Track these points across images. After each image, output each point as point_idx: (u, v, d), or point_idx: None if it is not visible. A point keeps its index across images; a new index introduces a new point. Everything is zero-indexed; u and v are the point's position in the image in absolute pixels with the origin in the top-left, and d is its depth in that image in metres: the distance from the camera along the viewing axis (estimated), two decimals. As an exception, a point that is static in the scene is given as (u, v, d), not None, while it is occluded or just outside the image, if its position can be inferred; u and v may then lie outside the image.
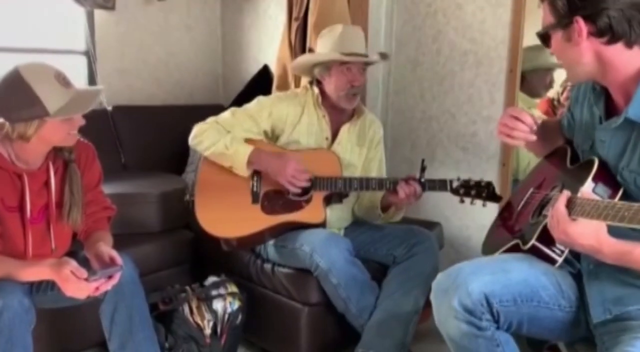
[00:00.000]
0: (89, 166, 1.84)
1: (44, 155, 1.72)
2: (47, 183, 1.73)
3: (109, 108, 2.98)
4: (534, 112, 2.77)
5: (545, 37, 1.35)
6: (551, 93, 2.81)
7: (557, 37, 1.31)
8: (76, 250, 1.85)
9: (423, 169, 2.08)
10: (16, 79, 1.56)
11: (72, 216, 1.74)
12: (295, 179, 2.07)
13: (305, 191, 2.12)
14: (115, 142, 2.95)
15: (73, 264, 1.53)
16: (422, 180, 2.07)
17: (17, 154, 1.66)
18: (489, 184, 2.07)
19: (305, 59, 2.30)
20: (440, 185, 2.08)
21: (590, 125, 1.43)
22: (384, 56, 2.31)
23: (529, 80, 2.69)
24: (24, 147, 1.65)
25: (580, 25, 1.24)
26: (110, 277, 1.59)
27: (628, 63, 1.25)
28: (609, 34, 1.22)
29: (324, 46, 2.21)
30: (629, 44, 1.23)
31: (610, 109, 1.36)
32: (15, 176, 1.67)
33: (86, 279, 1.52)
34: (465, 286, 1.35)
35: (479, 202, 2.08)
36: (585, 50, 1.26)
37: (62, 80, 1.61)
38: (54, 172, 1.73)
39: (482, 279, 1.35)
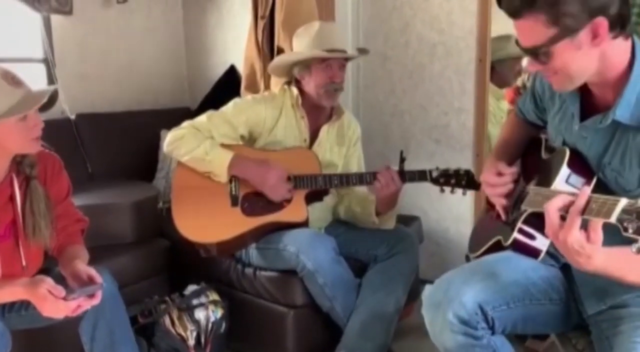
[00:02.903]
0: (56, 179, 1.75)
1: (6, 167, 1.62)
2: (12, 197, 1.64)
3: (72, 116, 2.88)
4: (502, 103, 2.79)
5: (540, 53, 1.16)
6: (518, 81, 2.84)
7: (563, 49, 1.14)
8: (50, 267, 1.76)
9: (402, 160, 2.08)
10: None
11: (37, 236, 1.65)
12: (278, 188, 2.05)
13: None
14: (81, 152, 2.85)
15: (49, 282, 1.45)
16: (402, 171, 2.06)
17: None
18: (468, 172, 2.07)
19: (284, 59, 2.25)
20: (420, 175, 2.07)
21: (562, 121, 1.40)
22: (363, 51, 2.29)
23: (498, 70, 2.71)
24: None
25: (602, 23, 1.09)
26: (91, 296, 1.51)
27: (623, 57, 1.18)
28: (618, 24, 1.11)
29: (301, 45, 2.18)
30: (627, 35, 1.15)
31: (588, 106, 1.31)
32: None
33: (64, 298, 1.45)
34: (458, 298, 1.34)
35: (459, 191, 2.08)
36: (596, 53, 1.14)
37: (11, 80, 1.51)
38: (18, 186, 1.64)
39: (474, 288, 1.35)
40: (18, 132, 1.54)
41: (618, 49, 1.16)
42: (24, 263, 1.67)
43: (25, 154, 1.64)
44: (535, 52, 1.17)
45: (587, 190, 1.05)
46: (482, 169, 2.59)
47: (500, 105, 2.77)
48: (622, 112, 1.19)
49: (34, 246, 1.68)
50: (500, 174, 1.46)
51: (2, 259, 1.62)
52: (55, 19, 2.90)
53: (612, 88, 1.23)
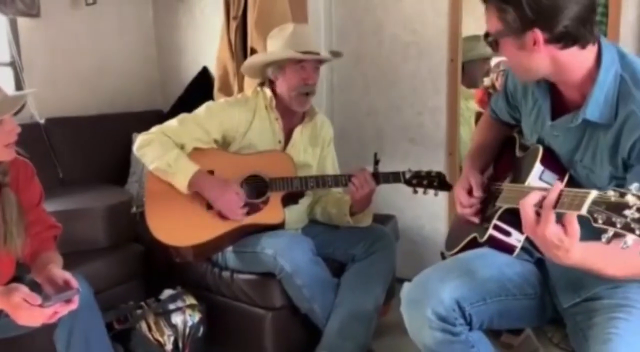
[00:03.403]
0: (28, 185, 1.71)
1: None
2: None
3: (42, 121, 2.82)
4: (470, 103, 2.83)
5: (492, 42, 1.30)
6: (486, 81, 2.88)
7: (507, 44, 1.26)
8: (21, 275, 1.72)
9: (376, 162, 2.11)
10: None
11: (8, 245, 1.60)
12: (232, 208, 2.03)
13: (261, 193, 2.08)
14: (51, 156, 2.79)
15: (24, 290, 1.42)
16: (377, 173, 2.08)
17: None
18: (440, 174, 2.12)
19: (257, 59, 2.24)
20: (394, 177, 2.11)
21: (537, 120, 1.44)
22: (336, 54, 2.29)
23: (468, 70, 2.74)
24: None
25: (537, 35, 1.19)
26: (68, 301, 1.48)
27: (583, 63, 1.24)
28: (564, 40, 1.20)
29: (275, 45, 2.17)
30: (583, 45, 1.22)
31: (558, 104, 1.35)
32: None
33: (40, 305, 1.41)
34: (436, 295, 1.35)
35: (431, 191, 2.12)
36: (540, 57, 1.23)
37: None
38: None
39: (451, 285, 1.36)
40: None
41: (572, 57, 1.23)
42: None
43: None
44: (488, 38, 1.30)
45: (559, 185, 1.08)
46: (456, 168, 2.67)
47: (468, 105, 2.81)
48: (591, 111, 1.24)
49: (5, 254, 1.63)
50: (470, 193, 1.55)
51: None
52: (22, 21, 2.84)
53: (577, 89, 1.28)
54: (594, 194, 0.98)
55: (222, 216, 2.05)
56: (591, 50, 1.24)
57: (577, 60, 1.23)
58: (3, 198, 1.61)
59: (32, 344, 1.88)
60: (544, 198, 1.07)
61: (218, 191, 2.02)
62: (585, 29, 1.19)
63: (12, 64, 2.86)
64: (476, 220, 1.54)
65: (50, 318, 1.46)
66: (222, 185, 2.03)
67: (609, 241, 0.94)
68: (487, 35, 1.30)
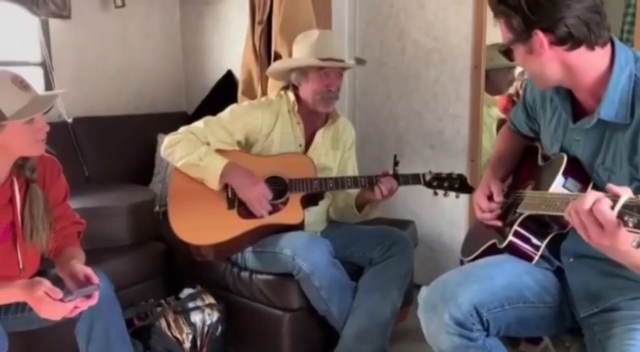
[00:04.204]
0: (54, 182, 1.77)
1: (7, 170, 1.63)
2: (11, 200, 1.65)
3: (69, 120, 2.88)
4: (492, 110, 2.82)
5: (507, 52, 1.34)
6: (510, 89, 2.87)
7: (519, 51, 1.30)
8: (45, 269, 1.77)
9: (396, 164, 2.12)
10: None
11: (34, 239, 1.66)
12: (258, 203, 2.06)
13: (281, 194, 2.11)
14: (77, 155, 2.85)
15: (46, 284, 1.46)
16: (396, 174, 2.10)
17: None
18: (461, 176, 2.12)
19: (282, 64, 2.29)
20: (414, 179, 2.11)
21: (558, 127, 1.44)
22: (360, 61, 2.31)
23: (492, 78, 2.74)
24: None
25: (540, 37, 1.23)
26: (88, 296, 1.52)
27: (593, 65, 1.25)
28: (569, 41, 1.22)
29: (300, 51, 2.21)
30: (591, 47, 1.23)
31: (578, 110, 1.36)
32: None
33: (61, 300, 1.45)
34: (454, 300, 1.35)
35: (452, 194, 2.12)
36: (549, 60, 1.26)
37: (20, 84, 1.54)
38: (18, 189, 1.65)
39: (470, 290, 1.36)
40: (24, 134, 1.56)
41: (582, 60, 1.24)
42: (21, 265, 1.67)
43: (26, 158, 1.65)
44: (503, 49, 1.34)
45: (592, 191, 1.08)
46: (477, 175, 2.66)
47: (490, 112, 2.80)
48: (606, 111, 1.25)
49: (31, 248, 1.68)
50: (490, 199, 1.55)
51: None
52: (54, 22, 2.91)
53: (591, 93, 1.29)
54: (625, 197, 0.98)
55: (242, 216, 2.08)
56: (603, 53, 1.25)
57: (587, 62, 1.25)
58: (30, 193, 1.67)
59: (54, 338, 1.94)
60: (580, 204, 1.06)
61: (249, 183, 2.06)
62: (589, 30, 1.21)
63: (43, 64, 2.94)
64: (498, 223, 1.53)
65: (70, 312, 1.50)
66: (253, 178, 2.07)
67: (639, 245, 0.94)
68: (502, 46, 1.34)
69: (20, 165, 1.66)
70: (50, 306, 1.46)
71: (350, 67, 2.29)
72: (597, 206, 1.02)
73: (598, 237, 1.04)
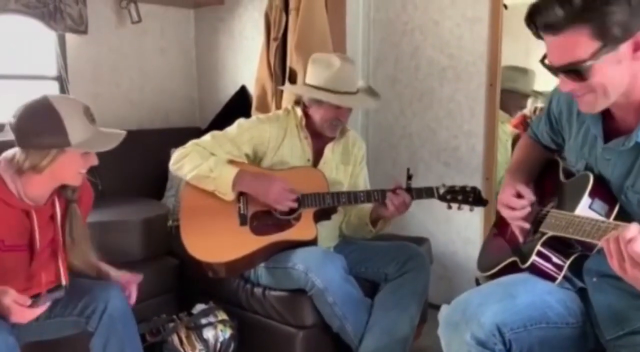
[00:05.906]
0: (84, 209, 1.84)
1: (50, 192, 1.69)
2: (52, 217, 1.71)
3: (84, 134, 2.89)
4: (506, 126, 2.81)
5: (581, 69, 1.12)
6: (526, 110, 2.86)
7: (604, 63, 1.11)
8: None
9: (409, 177, 2.09)
10: (46, 107, 1.57)
11: (71, 259, 1.75)
12: (282, 198, 2.05)
13: (293, 210, 2.09)
14: (91, 169, 2.83)
15: (12, 293, 1.48)
16: (410, 188, 2.08)
17: (25, 189, 1.62)
18: (475, 189, 2.09)
19: (299, 91, 2.32)
20: (427, 192, 2.09)
21: (584, 144, 1.39)
22: (373, 94, 2.33)
23: (505, 99, 2.73)
24: (33, 181, 1.61)
25: (638, 41, 1.09)
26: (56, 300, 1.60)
27: None
28: None
29: (317, 77, 2.18)
30: None
31: (610, 128, 1.30)
32: (24, 213, 1.63)
33: (31, 306, 1.49)
34: (476, 319, 1.32)
35: (466, 208, 2.09)
36: (631, 70, 1.13)
37: (89, 116, 1.64)
38: (59, 207, 1.71)
39: (492, 309, 1.33)
40: (76, 164, 1.64)
41: None
42: (63, 280, 1.72)
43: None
44: (573, 70, 1.13)
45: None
46: (492, 193, 2.63)
47: (504, 129, 2.79)
48: None
49: (56, 264, 1.73)
50: (519, 196, 1.47)
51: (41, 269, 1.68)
52: (70, 37, 2.94)
53: (634, 110, 1.23)
54: None
55: (255, 232, 2.07)
56: None
57: None
58: (71, 213, 1.74)
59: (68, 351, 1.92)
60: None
61: (265, 183, 2.05)
62: None
63: (59, 78, 2.96)
64: (526, 225, 1.47)
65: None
66: (266, 178, 2.07)
67: None
68: (570, 67, 1.14)
69: (63, 186, 1.72)
70: (20, 312, 1.49)
71: (364, 109, 2.29)
72: None
73: (635, 271, 1.02)
